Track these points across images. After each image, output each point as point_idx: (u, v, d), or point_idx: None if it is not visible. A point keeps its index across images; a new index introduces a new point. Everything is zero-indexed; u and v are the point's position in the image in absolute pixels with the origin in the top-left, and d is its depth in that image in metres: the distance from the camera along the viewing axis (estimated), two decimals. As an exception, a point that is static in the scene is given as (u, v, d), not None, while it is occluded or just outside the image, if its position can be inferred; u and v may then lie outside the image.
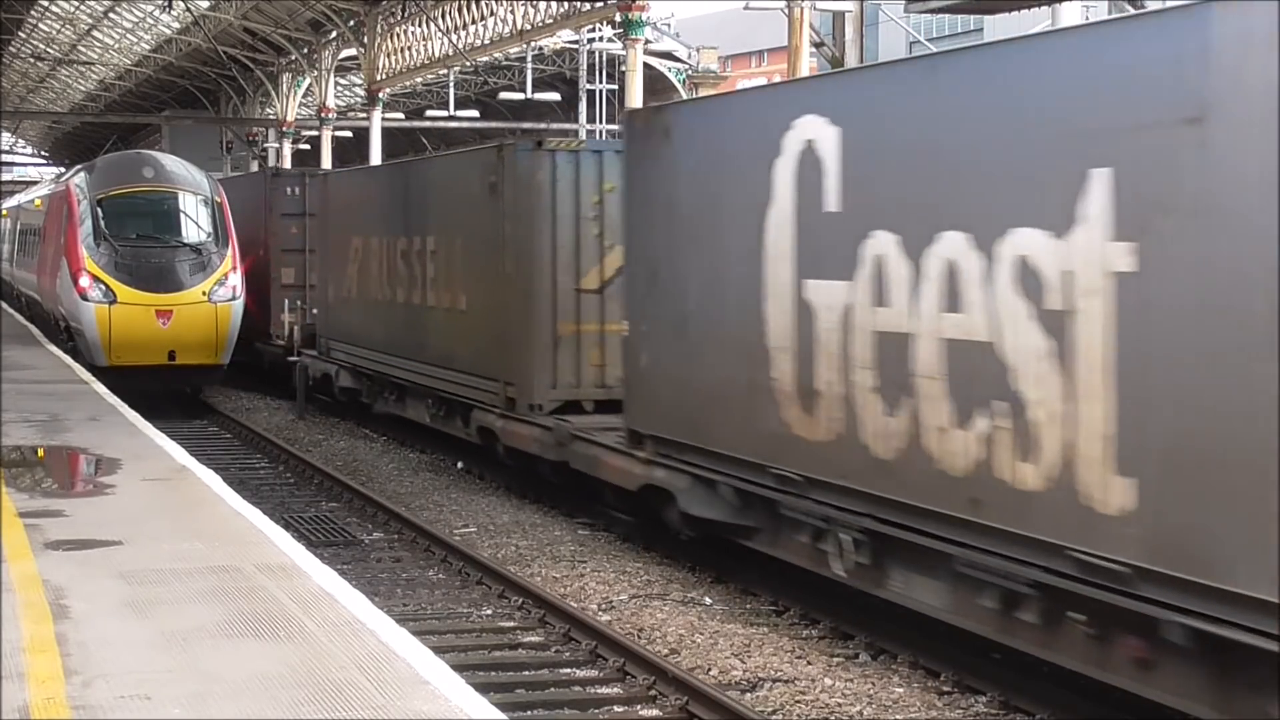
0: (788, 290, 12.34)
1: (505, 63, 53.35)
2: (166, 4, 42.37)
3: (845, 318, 11.55)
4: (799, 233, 12.20)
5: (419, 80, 50.15)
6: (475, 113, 57.63)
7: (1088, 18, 24.51)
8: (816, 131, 11.90)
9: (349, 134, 56.62)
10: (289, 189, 30.67)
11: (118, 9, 50.12)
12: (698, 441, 13.88)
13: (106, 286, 26.41)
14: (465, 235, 20.02)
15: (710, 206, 13.67)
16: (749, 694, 11.11)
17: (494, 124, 55.69)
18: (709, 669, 11.66)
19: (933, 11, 17.92)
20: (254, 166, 54.54)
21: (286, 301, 29.70)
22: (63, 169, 62.98)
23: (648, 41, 40.69)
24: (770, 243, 12.56)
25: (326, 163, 43.58)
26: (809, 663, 11.80)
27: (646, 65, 38.40)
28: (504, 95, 54.41)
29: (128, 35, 54.96)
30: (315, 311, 28.05)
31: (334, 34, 44.58)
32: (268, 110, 55.41)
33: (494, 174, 18.80)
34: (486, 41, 37.57)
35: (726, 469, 13.42)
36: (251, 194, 32.12)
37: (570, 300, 17.86)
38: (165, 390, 26.81)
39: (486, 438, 19.27)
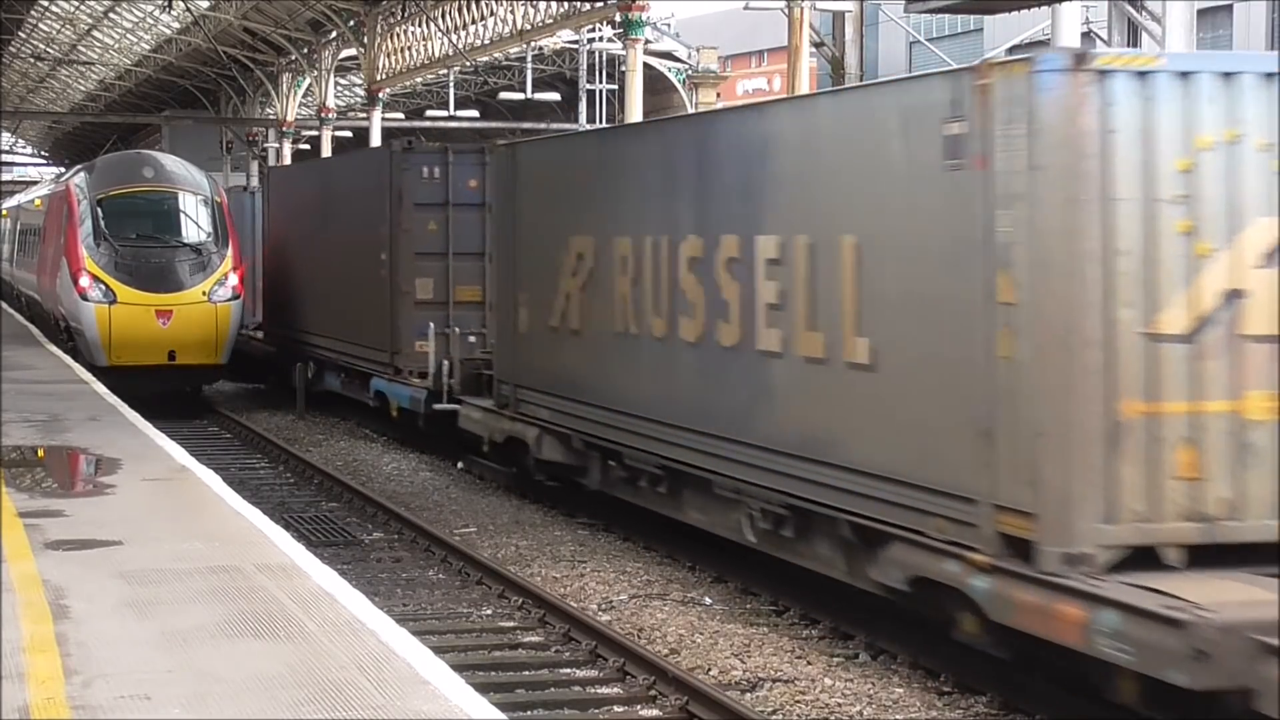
0: None
1: (505, 63, 53.34)
2: (166, 4, 42.33)
3: None
4: None
5: (419, 80, 50.14)
6: (475, 113, 57.68)
7: (1087, 18, 24.50)
8: None
9: (349, 134, 56.64)
10: (426, 170, 22.95)
11: (118, 9, 50.10)
12: None
13: (106, 286, 26.46)
14: (866, 232, 11.66)
15: None
16: (749, 694, 11.12)
17: (494, 124, 55.68)
18: (709, 669, 11.67)
19: (933, 11, 17.88)
20: (254, 166, 54.41)
21: (433, 325, 21.91)
22: (63, 169, 62.98)
23: (648, 41, 40.67)
24: None
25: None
26: (809, 663, 11.81)
27: (646, 65, 38.38)
28: (504, 95, 54.42)
29: (128, 35, 54.94)
30: (472, 340, 21.95)
31: (334, 34, 44.58)
32: (268, 110, 55.38)
33: (956, 119, 10.50)
34: (486, 41, 37.60)
35: None
36: (368, 179, 24.76)
37: (1137, 354, 9.76)
38: (165, 390, 26.82)
39: (932, 601, 10.94)
